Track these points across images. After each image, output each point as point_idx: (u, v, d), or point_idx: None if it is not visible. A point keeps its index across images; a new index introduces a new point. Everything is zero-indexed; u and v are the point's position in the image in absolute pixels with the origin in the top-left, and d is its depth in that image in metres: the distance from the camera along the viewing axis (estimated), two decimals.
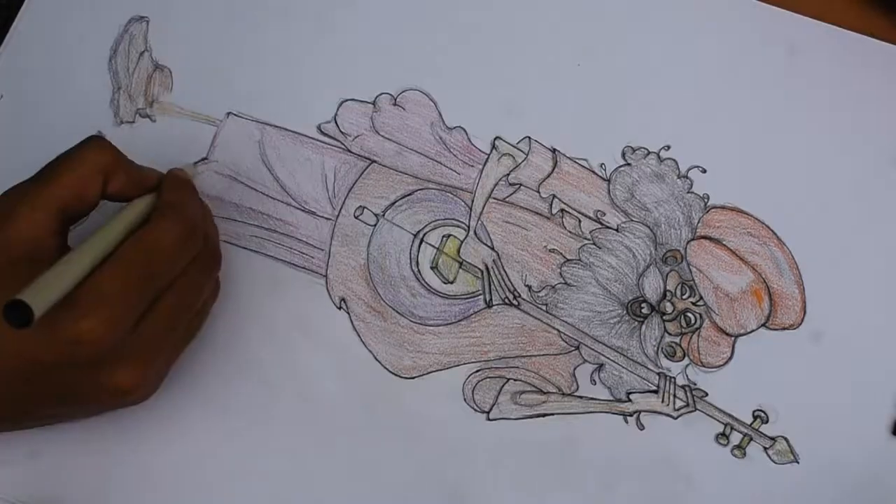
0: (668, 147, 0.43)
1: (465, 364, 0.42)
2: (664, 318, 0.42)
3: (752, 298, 0.42)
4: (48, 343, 0.32)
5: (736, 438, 0.41)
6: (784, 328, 0.42)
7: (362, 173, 0.43)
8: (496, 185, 0.43)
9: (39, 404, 0.35)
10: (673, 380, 0.41)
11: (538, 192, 0.43)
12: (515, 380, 0.41)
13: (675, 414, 0.41)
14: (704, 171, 0.43)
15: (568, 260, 0.42)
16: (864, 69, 0.44)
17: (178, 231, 0.35)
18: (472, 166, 0.43)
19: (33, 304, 0.29)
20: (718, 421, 0.41)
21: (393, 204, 0.43)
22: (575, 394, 0.41)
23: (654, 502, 0.40)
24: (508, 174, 0.43)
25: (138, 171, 0.37)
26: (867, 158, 0.43)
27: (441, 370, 0.42)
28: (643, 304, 0.42)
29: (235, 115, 0.44)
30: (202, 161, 0.43)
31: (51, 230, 0.34)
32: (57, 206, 0.34)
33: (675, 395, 0.41)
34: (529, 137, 0.44)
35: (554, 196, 0.43)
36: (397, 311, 0.42)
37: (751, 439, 0.40)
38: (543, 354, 0.42)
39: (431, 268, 0.43)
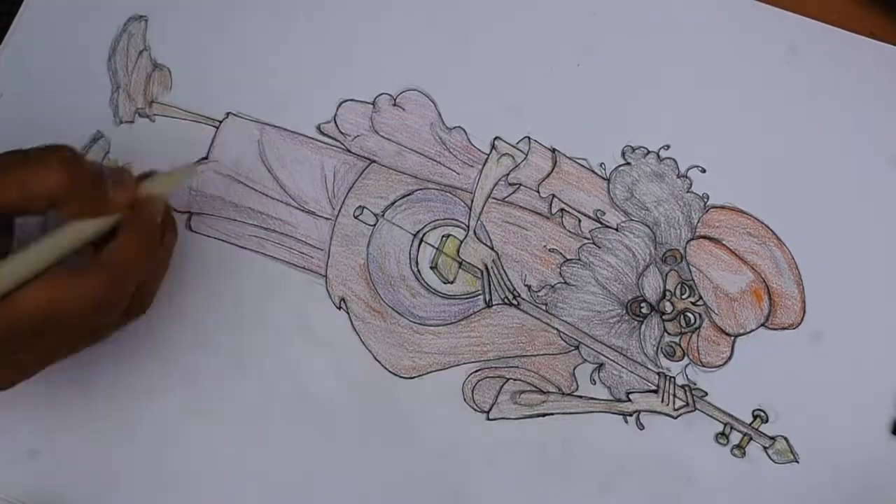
0: (668, 146, 0.43)
1: (464, 364, 0.42)
2: (664, 317, 0.42)
3: (751, 298, 0.42)
4: None
5: (736, 438, 0.41)
6: (784, 328, 0.42)
7: (362, 173, 0.43)
8: (496, 185, 0.43)
9: None
10: (673, 379, 0.41)
11: (538, 191, 0.43)
12: (515, 380, 0.41)
13: (674, 414, 0.41)
14: (704, 170, 0.43)
15: (567, 259, 0.42)
16: (865, 70, 0.44)
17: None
18: (472, 166, 0.43)
19: None
20: (718, 421, 0.41)
21: (392, 204, 0.43)
22: (575, 393, 0.41)
23: (654, 502, 0.40)
24: (508, 174, 0.43)
25: (97, 200, 0.33)
26: (867, 158, 0.43)
27: (441, 370, 0.41)
28: (643, 304, 0.42)
29: (235, 115, 0.44)
30: (202, 160, 0.43)
31: None
32: None
33: (674, 395, 0.41)
34: (529, 137, 0.44)
35: (553, 196, 0.43)
36: (397, 311, 0.42)
37: (750, 439, 0.40)
38: (543, 354, 0.42)
39: (431, 268, 0.43)
